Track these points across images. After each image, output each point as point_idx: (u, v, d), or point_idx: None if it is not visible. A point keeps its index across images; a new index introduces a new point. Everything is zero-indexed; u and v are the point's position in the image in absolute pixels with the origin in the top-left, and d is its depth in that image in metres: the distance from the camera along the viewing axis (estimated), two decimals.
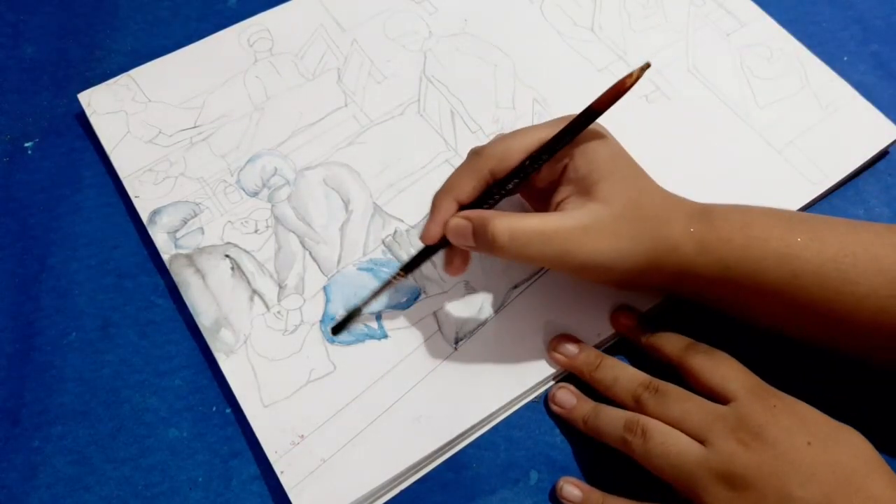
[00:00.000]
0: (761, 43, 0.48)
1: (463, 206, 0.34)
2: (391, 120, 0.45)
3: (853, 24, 0.50)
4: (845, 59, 0.48)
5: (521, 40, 0.48)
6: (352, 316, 0.38)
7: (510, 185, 0.34)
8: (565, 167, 0.33)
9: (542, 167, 0.34)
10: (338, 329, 0.38)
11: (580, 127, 0.33)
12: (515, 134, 0.34)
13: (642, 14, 0.49)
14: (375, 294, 0.37)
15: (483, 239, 0.32)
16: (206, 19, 0.50)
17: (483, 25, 0.49)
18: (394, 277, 0.37)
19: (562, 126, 0.33)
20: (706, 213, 0.34)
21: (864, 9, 0.51)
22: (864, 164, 0.44)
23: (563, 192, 0.33)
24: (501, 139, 0.34)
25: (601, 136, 0.34)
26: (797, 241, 0.32)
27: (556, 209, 0.33)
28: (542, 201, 0.36)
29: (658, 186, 0.34)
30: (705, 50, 0.48)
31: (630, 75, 0.31)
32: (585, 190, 0.32)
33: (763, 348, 0.36)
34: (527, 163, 0.33)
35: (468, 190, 0.34)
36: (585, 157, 0.33)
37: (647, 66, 0.31)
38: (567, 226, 0.31)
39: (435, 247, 0.35)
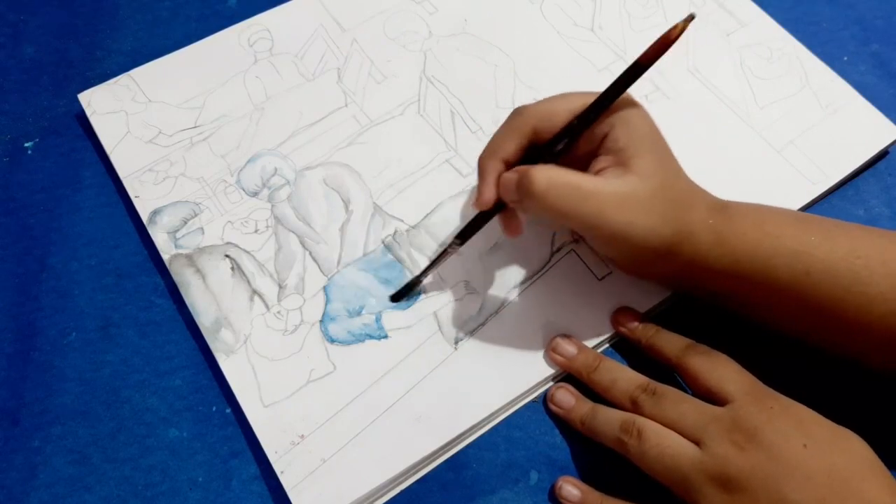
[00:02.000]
0: (761, 43, 0.48)
1: (509, 164, 0.34)
2: (391, 120, 0.45)
3: (853, 24, 0.50)
4: (845, 59, 0.48)
5: (522, 40, 0.48)
6: (412, 285, 0.39)
7: (559, 146, 0.33)
8: (605, 137, 0.33)
9: (583, 134, 0.33)
10: (397, 297, 0.39)
11: (626, 83, 0.32)
12: (557, 96, 0.34)
13: (642, 14, 0.49)
14: (431, 265, 0.38)
15: (524, 188, 0.31)
16: (206, 19, 0.50)
17: (483, 25, 0.49)
18: (449, 247, 0.37)
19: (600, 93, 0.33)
20: (724, 206, 0.34)
21: (865, 9, 0.51)
22: (865, 163, 0.44)
23: (602, 161, 0.33)
24: (544, 100, 0.34)
25: (640, 109, 0.33)
26: (810, 239, 0.32)
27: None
28: (579, 170, 0.35)
29: (684, 172, 0.34)
30: (705, 50, 0.48)
31: (675, 27, 0.30)
32: (623, 162, 0.32)
33: (764, 350, 0.36)
34: (574, 122, 0.33)
35: (512, 149, 0.33)
36: (626, 129, 0.32)
37: (692, 17, 0.30)
38: (606, 190, 0.31)
39: (490, 212, 0.35)
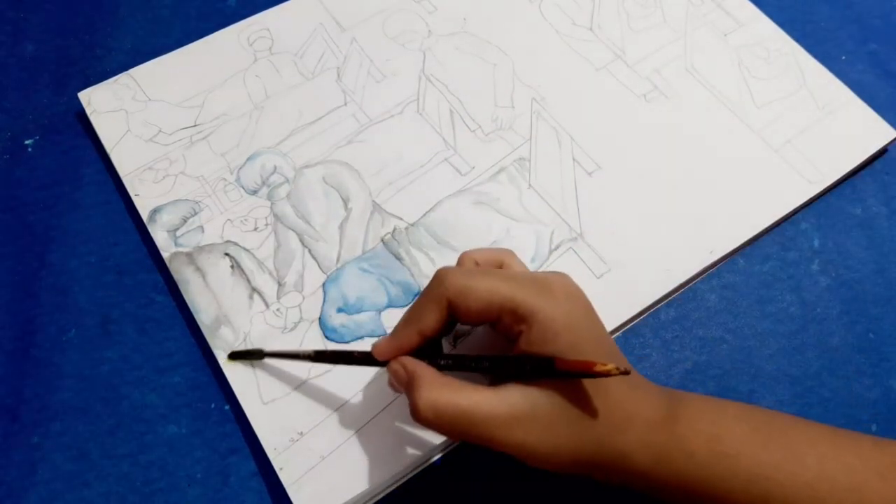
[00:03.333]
0: (759, 43, 0.48)
1: (426, 336, 0.31)
2: (390, 119, 0.45)
3: (851, 23, 0.50)
4: (843, 58, 0.49)
5: (521, 39, 0.48)
6: (254, 356, 0.36)
7: (445, 362, 0.31)
8: (519, 333, 0.29)
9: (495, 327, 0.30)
10: (235, 356, 0.37)
11: (530, 372, 0.28)
12: (479, 275, 0.30)
13: (641, 14, 0.50)
14: (280, 354, 0.36)
15: (410, 402, 0.29)
16: (206, 18, 0.50)
17: (482, 24, 0.49)
18: (306, 355, 0.34)
19: (525, 287, 0.29)
20: (670, 418, 0.29)
21: (862, 8, 0.51)
22: (862, 163, 0.44)
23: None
24: (467, 274, 0.30)
25: (567, 303, 0.29)
26: (772, 459, 0.28)
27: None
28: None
29: (624, 380, 0.28)
30: (703, 50, 0.48)
31: (606, 366, 0.26)
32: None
33: None
34: (472, 364, 0.30)
35: (430, 321, 0.30)
36: (543, 330, 0.28)
37: (627, 372, 0.27)
38: (498, 412, 0.28)
39: (375, 362, 0.32)
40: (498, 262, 0.33)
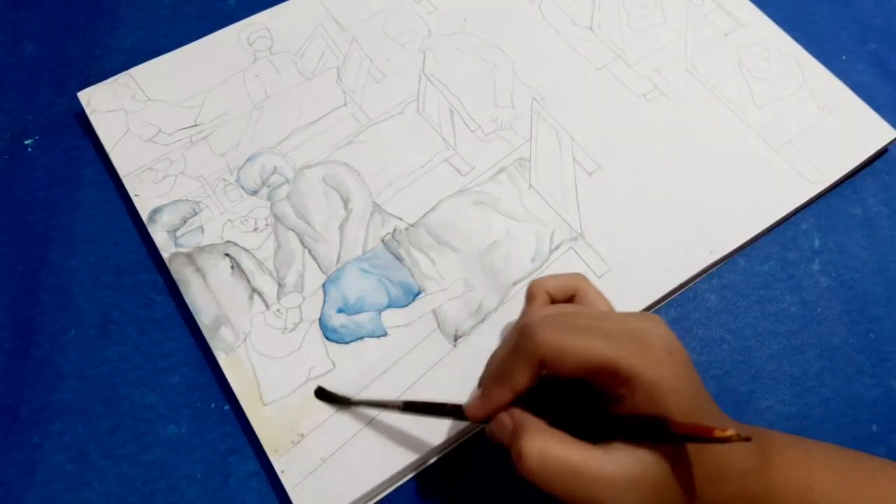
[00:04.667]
0: (759, 43, 0.48)
1: (518, 393, 0.29)
2: (390, 119, 0.45)
3: (851, 23, 0.50)
4: (844, 58, 0.48)
5: (521, 39, 0.48)
6: (341, 402, 0.36)
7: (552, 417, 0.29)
8: (622, 396, 0.27)
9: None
10: (322, 395, 0.36)
11: (641, 434, 0.27)
12: (573, 332, 0.27)
13: (641, 13, 0.50)
14: (368, 403, 0.35)
15: (514, 453, 0.27)
16: (206, 18, 0.50)
17: (482, 24, 0.49)
18: (395, 405, 0.33)
19: (625, 346, 0.27)
20: (762, 466, 0.28)
21: (863, 8, 0.51)
22: (862, 163, 0.44)
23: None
24: (560, 331, 0.27)
25: (669, 360, 0.27)
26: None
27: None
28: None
29: (748, 436, 0.27)
30: (704, 49, 0.48)
31: (725, 431, 0.24)
32: None
33: None
34: (575, 420, 0.28)
35: (522, 380, 0.28)
36: (646, 393, 0.26)
37: (748, 438, 0.24)
38: (608, 473, 0.26)
39: (467, 417, 0.31)
40: (572, 290, 0.31)
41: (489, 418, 0.30)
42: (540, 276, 0.39)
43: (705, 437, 0.25)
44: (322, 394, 0.36)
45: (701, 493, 0.27)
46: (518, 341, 0.28)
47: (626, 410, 0.27)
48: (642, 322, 0.28)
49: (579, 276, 0.32)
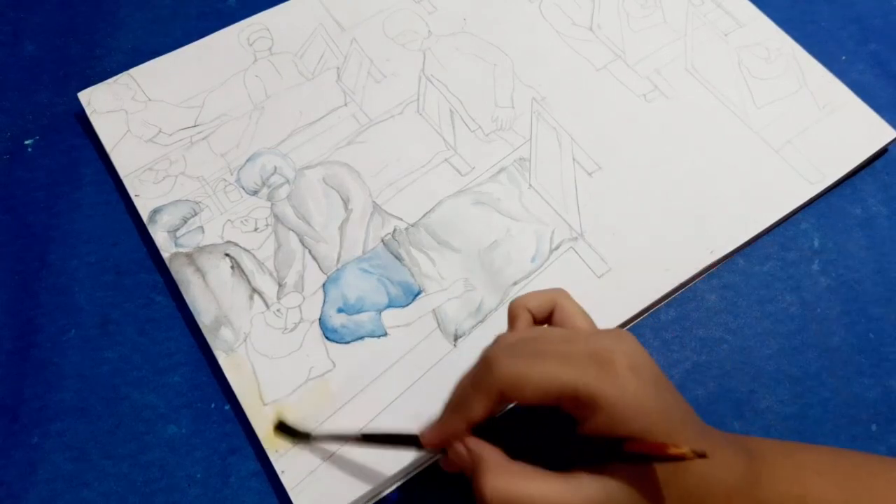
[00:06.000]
0: (759, 43, 0.48)
1: (474, 423, 0.29)
2: (390, 119, 0.45)
3: (851, 23, 0.50)
4: (844, 58, 0.49)
5: (520, 39, 0.48)
6: (300, 437, 0.35)
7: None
8: (584, 417, 0.27)
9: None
10: (283, 429, 0.35)
11: (596, 456, 0.26)
12: (531, 359, 0.27)
13: (641, 14, 0.50)
14: (327, 437, 0.35)
15: (474, 487, 0.27)
16: (206, 18, 0.50)
17: (482, 24, 0.49)
18: (354, 437, 0.33)
19: (584, 368, 0.26)
20: (751, 483, 0.28)
21: (863, 8, 0.51)
22: (862, 163, 0.44)
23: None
24: (517, 359, 0.27)
25: (633, 380, 0.26)
26: None
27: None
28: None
29: (702, 451, 0.26)
30: (703, 50, 0.48)
31: (679, 448, 0.24)
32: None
33: None
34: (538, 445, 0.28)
35: (479, 411, 0.28)
36: (609, 415, 0.26)
37: (704, 455, 0.24)
38: (572, 503, 0.26)
39: (420, 446, 0.31)
40: (551, 306, 0.31)
41: (444, 448, 0.29)
42: (541, 275, 0.40)
43: (659, 454, 0.24)
44: (283, 428, 0.35)
45: None
46: (477, 371, 0.28)
47: (590, 432, 0.26)
48: (607, 340, 0.27)
49: (559, 292, 0.31)
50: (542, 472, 0.27)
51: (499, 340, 0.29)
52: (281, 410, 0.36)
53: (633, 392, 0.26)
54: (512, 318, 0.31)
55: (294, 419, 0.35)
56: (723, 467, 0.27)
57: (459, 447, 0.29)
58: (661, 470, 0.26)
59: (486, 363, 0.28)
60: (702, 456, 0.24)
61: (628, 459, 0.26)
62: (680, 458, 0.24)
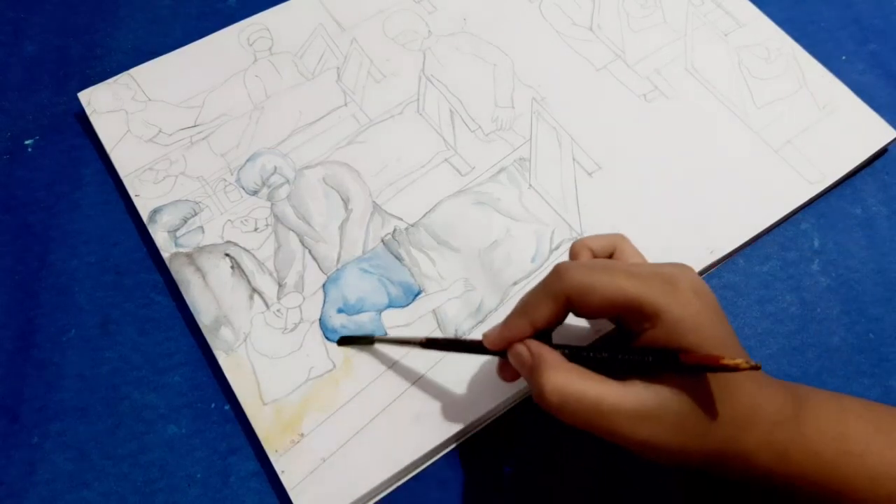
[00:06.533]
0: (759, 43, 0.48)
1: (538, 328, 0.30)
2: (390, 119, 0.45)
3: (851, 23, 0.50)
4: (843, 58, 0.49)
5: (520, 39, 0.48)
6: (362, 341, 0.37)
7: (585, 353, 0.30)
8: (644, 329, 0.28)
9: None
10: (344, 342, 0.38)
11: (652, 365, 0.28)
12: (601, 271, 0.28)
13: (641, 14, 0.50)
14: (390, 340, 0.37)
15: (533, 388, 0.29)
16: (206, 18, 0.50)
17: (482, 24, 0.49)
18: (417, 342, 0.35)
19: (650, 284, 0.28)
20: (794, 416, 0.28)
21: (862, 8, 0.51)
22: (862, 163, 0.44)
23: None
24: (587, 270, 0.29)
25: (695, 300, 0.27)
26: None
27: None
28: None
29: (750, 376, 0.28)
30: (703, 50, 0.48)
31: (734, 360, 0.25)
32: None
33: None
34: (589, 354, 0.29)
35: (545, 314, 0.29)
36: (669, 329, 0.27)
37: (758, 367, 0.25)
38: (626, 407, 0.27)
39: (485, 350, 0.32)
40: (612, 248, 0.32)
41: (506, 350, 0.30)
42: (540, 276, 0.40)
43: (714, 365, 0.25)
44: (345, 341, 0.37)
45: (728, 438, 0.27)
46: (547, 279, 0.29)
47: (648, 343, 0.28)
48: (671, 267, 0.29)
49: (619, 236, 0.33)
50: (599, 376, 0.28)
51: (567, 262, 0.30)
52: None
53: (696, 310, 0.27)
54: (573, 255, 0.32)
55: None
56: (769, 397, 0.28)
57: (521, 347, 0.30)
58: (714, 384, 0.27)
59: (556, 271, 0.29)
60: (756, 368, 0.25)
61: (683, 370, 0.27)
62: (734, 369, 0.25)
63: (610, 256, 0.32)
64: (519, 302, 0.31)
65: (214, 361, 0.37)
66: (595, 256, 0.32)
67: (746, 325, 0.40)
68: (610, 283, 0.28)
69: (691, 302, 0.27)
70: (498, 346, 0.31)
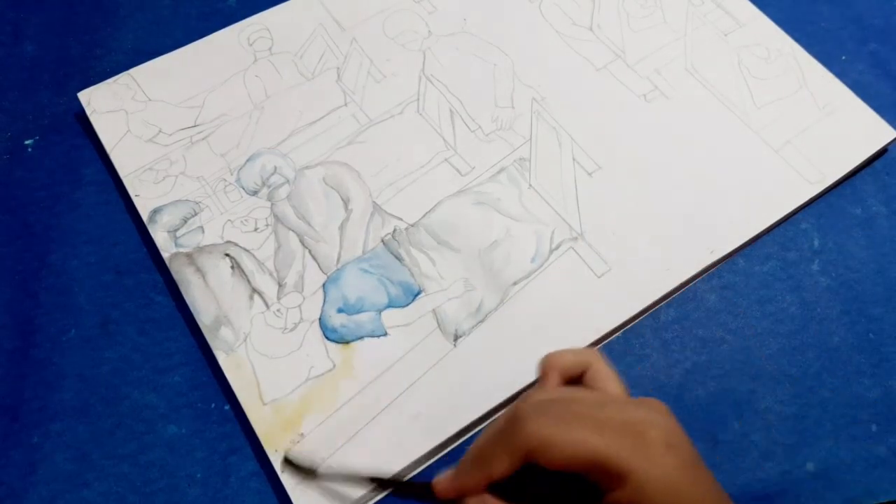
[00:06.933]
0: (759, 43, 0.48)
1: (493, 480, 0.27)
2: (390, 119, 0.45)
3: (851, 23, 0.50)
4: (843, 58, 0.49)
5: (520, 39, 0.48)
6: (305, 471, 0.34)
7: None
8: (609, 488, 0.26)
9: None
10: (287, 463, 0.34)
11: None
12: (564, 423, 0.26)
13: (641, 13, 0.50)
14: (336, 476, 0.34)
15: None
16: (206, 18, 0.50)
17: (482, 24, 0.49)
18: (363, 479, 0.32)
19: (618, 439, 0.25)
20: None
21: (863, 8, 0.51)
22: (862, 163, 0.44)
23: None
24: (550, 421, 0.26)
25: (667, 457, 0.25)
26: None
27: None
28: None
29: None
30: (703, 50, 0.48)
31: None
32: None
33: None
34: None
35: (501, 468, 0.27)
36: (636, 491, 0.25)
37: None
38: None
39: (436, 499, 0.29)
40: (584, 366, 0.30)
41: (457, 501, 0.28)
42: (541, 275, 0.40)
43: None
44: (289, 462, 0.34)
45: None
46: (506, 427, 0.27)
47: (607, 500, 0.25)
48: (642, 411, 0.26)
49: (592, 353, 0.30)
50: None
51: (528, 397, 0.28)
52: (290, 448, 0.35)
53: (668, 471, 0.25)
54: (542, 375, 0.30)
55: (300, 454, 0.35)
56: None
57: (474, 503, 0.28)
58: None
59: (514, 420, 0.26)
60: None
61: None
62: None
63: (580, 377, 0.30)
64: (474, 446, 0.28)
65: (214, 361, 0.37)
66: (565, 378, 0.30)
67: (746, 325, 0.40)
68: (573, 439, 0.25)
69: (663, 458, 0.25)
70: (450, 496, 0.28)
